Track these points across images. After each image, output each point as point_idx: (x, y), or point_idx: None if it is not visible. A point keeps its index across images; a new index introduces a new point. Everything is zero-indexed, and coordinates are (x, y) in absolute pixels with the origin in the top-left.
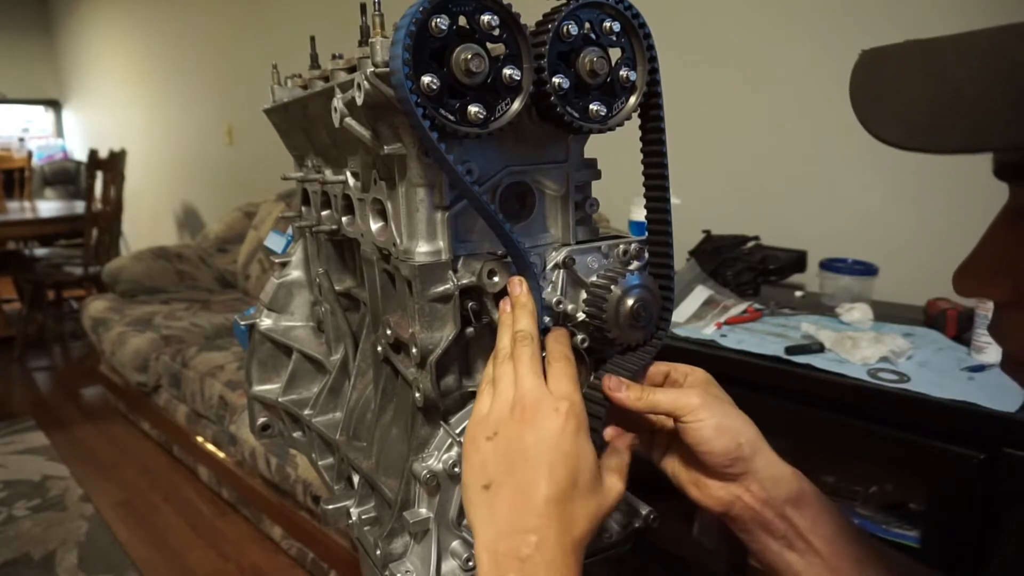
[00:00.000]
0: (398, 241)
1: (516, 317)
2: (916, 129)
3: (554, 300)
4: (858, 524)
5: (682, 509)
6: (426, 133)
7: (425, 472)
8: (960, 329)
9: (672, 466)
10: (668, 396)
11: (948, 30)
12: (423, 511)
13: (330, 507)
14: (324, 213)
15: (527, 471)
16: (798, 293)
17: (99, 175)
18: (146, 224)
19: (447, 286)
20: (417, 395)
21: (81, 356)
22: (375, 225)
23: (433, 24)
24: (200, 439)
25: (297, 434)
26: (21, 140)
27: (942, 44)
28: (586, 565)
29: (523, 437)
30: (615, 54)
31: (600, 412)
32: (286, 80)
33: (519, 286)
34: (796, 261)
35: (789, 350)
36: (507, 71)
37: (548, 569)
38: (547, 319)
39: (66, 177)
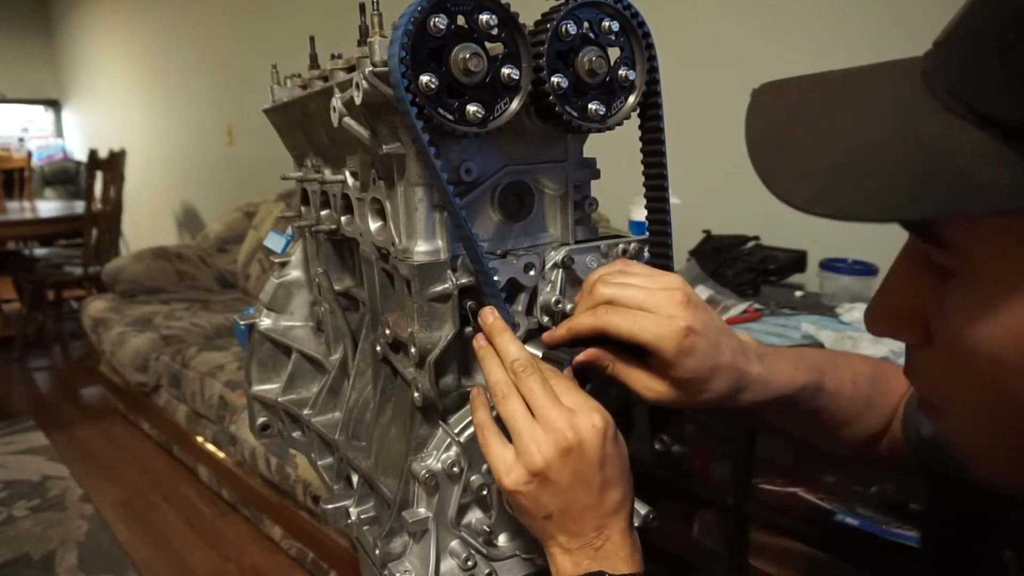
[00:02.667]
0: (397, 240)
1: (502, 346)
2: (822, 194)
3: (553, 299)
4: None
5: (682, 509)
6: (418, 134)
7: (424, 472)
8: None
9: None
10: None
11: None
12: (422, 511)
13: (330, 507)
14: (323, 213)
15: (589, 494)
16: (798, 293)
17: (99, 175)
18: (146, 224)
19: (446, 285)
20: (416, 395)
21: (81, 356)
22: (374, 225)
23: (431, 23)
24: (200, 439)
25: (297, 434)
26: (21, 140)
27: (837, 89)
28: None
29: (577, 469)
30: (614, 53)
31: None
32: (286, 80)
33: (491, 315)
34: (796, 261)
35: None
36: (506, 70)
37: (619, 549)
38: (546, 319)
39: (66, 177)
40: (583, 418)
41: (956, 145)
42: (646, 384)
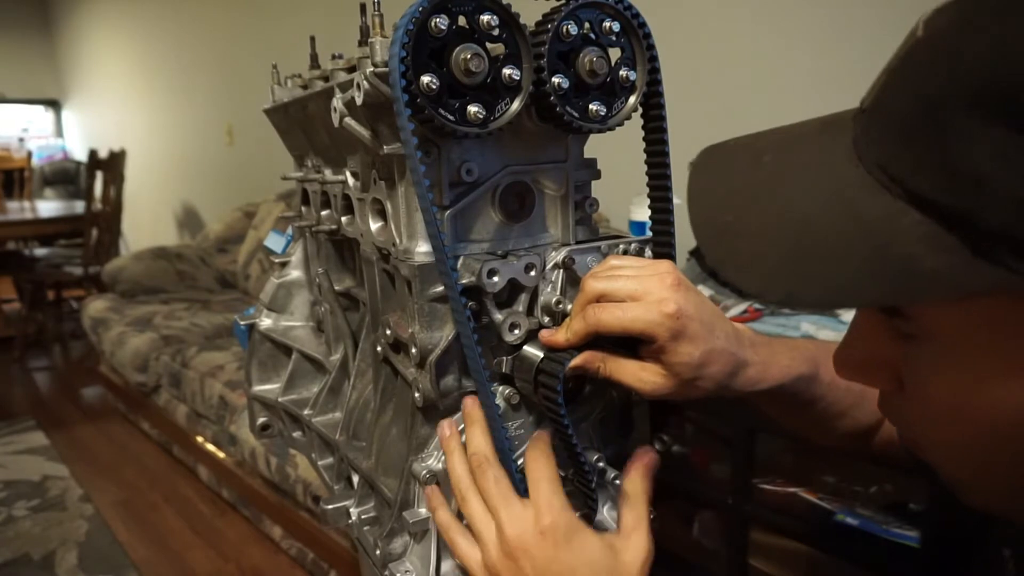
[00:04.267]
0: (398, 241)
1: (469, 437)
2: (774, 283)
3: (553, 300)
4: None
5: (682, 509)
6: (408, 136)
7: (425, 472)
8: None
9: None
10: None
11: None
12: (423, 511)
13: (330, 507)
14: (324, 213)
15: None
16: None
17: (99, 175)
18: (146, 224)
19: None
20: (416, 395)
21: (81, 356)
22: (375, 225)
23: (433, 24)
24: (200, 439)
25: (297, 434)
26: (21, 140)
27: (773, 165)
28: None
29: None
30: (615, 54)
31: (559, 371)
32: (286, 80)
33: (470, 403)
34: None
35: None
36: (507, 71)
37: None
38: (546, 319)
39: (66, 177)
40: (532, 527)
41: (898, 230)
42: (639, 376)
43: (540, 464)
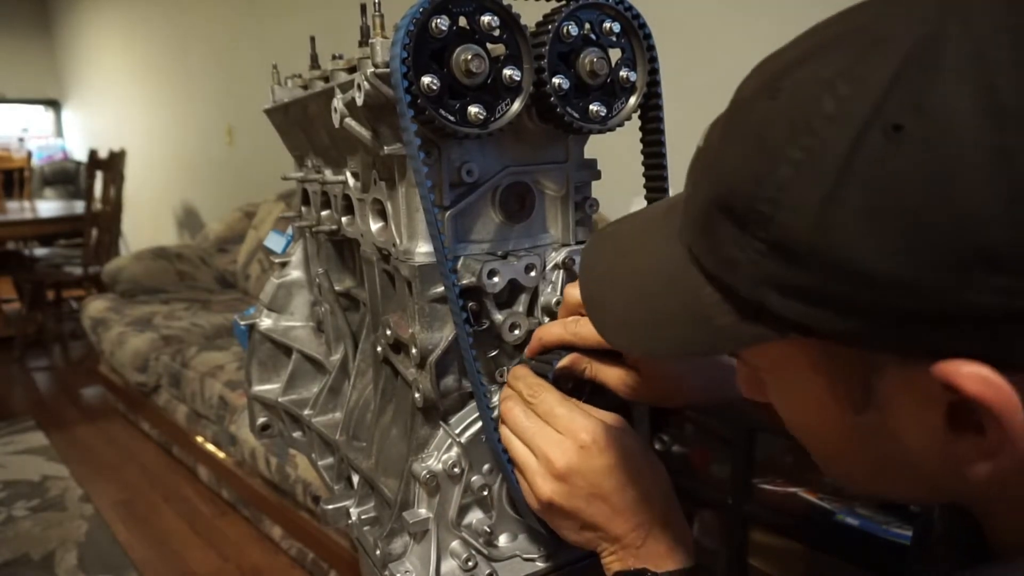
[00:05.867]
0: (398, 241)
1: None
2: (635, 341)
3: (554, 300)
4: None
5: (682, 509)
6: (411, 138)
7: (425, 472)
8: None
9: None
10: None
11: None
12: (423, 511)
13: (330, 507)
14: (324, 213)
15: (611, 498)
16: None
17: (99, 175)
18: (146, 224)
19: None
20: (417, 395)
21: (81, 356)
22: (375, 225)
23: (433, 25)
24: (200, 439)
25: (297, 434)
26: (21, 140)
27: (631, 251)
28: (587, 565)
29: (595, 469)
30: (615, 55)
31: (548, 372)
32: (286, 80)
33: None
34: None
35: None
36: (507, 72)
37: (659, 545)
38: (547, 319)
39: (66, 177)
40: (570, 445)
41: (701, 297)
42: (625, 381)
43: (543, 397)
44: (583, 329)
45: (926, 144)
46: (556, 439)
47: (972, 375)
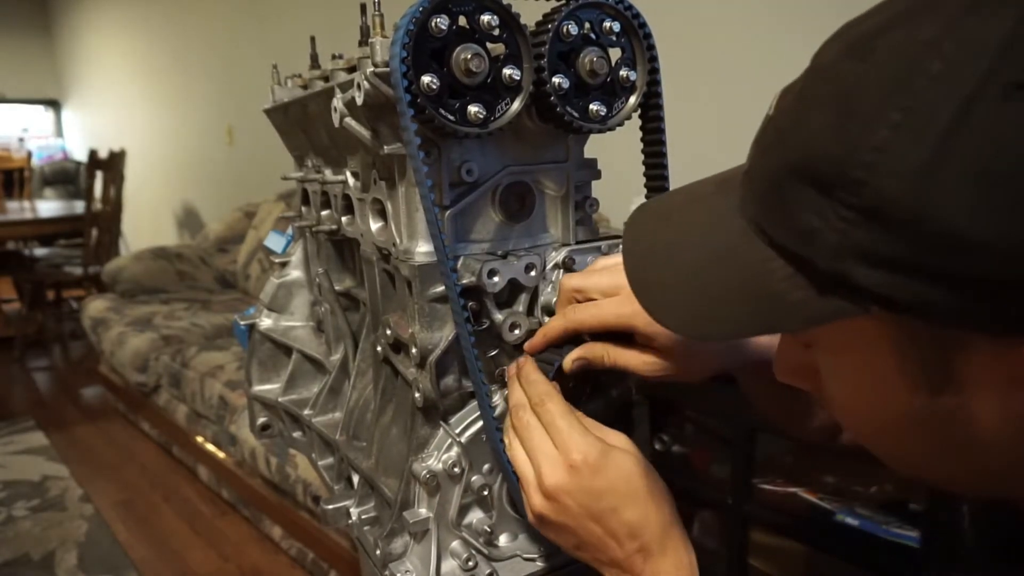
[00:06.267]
0: (398, 241)
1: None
2: (691, 321)
3: (554, 300)
4: None
5: (682, 509)
6: (411, 137)
7: (425, 472)
8: None
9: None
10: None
11: None
12: (423, 511)
13: (330, 507)
14: (324, 213)
15: (598, 528)
16: None
17: (99, 175)
18: (146, 224)
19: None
20: (417, 395)
21: (81, 356)
22: (375, 225)
23: (433, 24)
24: (200, 439)
25: (297, 434)
26: (21, 140)
27: (683, 224)
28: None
29: (586, 490)
30: (615, 54)
31: (549, 372)
32: (286, 80)
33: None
34: None
35: None
36: (507, 71)
37: (660, 568)
38: (547, 319)
39: (66, 177)
40: (561, 462)
41: (769, 272)
42: (644, 361)
43: (547, 407)
44: (582, 314)
45: None
46: (550, 454)
47: None
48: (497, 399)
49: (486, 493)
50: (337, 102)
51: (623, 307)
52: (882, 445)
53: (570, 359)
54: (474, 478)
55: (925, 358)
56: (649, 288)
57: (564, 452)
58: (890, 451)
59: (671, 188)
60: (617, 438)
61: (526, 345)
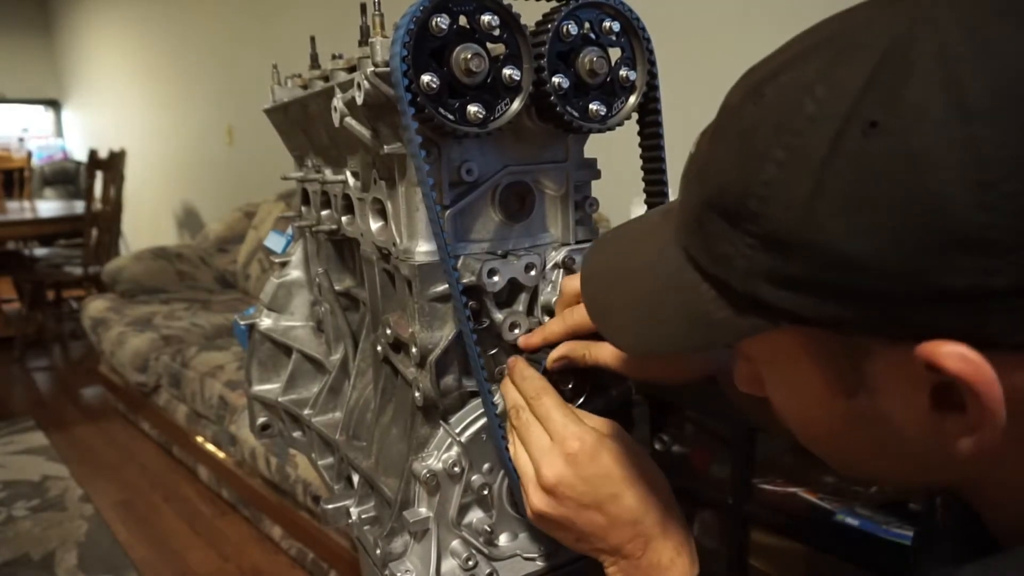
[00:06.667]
0: (398, 241)
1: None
2: (640, 342)
3: (554, 299)
4: None
5: (682, 509)
6: (412, 136)
7: (425, 471)
8: None
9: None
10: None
11: None
12: (423, 510)
13: (330, 507)
14: (324, 213)
15: (600, 516)
16: None
17: (99, 175)
18: (146, 224)
19: (447, 285)
20: (417, 395)
21: (81, 356)
22: (375, 225)
23: (433, 23)
24: (200, 439)
25: (297, 434)
26: (21, 140)
27: (631, 255)
28: (585, 564)
29: (585, 478)
30: (615, 54)
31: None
32: (286, 80)
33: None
34: None
35: None
36: (507, 71)
37: (659, 557)
38: (546, 319)
39: (66, 177)
40: (558, 454)
41: (698, 294)
42: (623, 359)
43: (542, 401)
44: (579, 316)
45: (899, 138)
46: (547, 447)
47: (951, 354)
48: (498, 398)
49: (486, 492)
50: (337, 102)
51: None
52: (821, 447)
53: (552, 358)
54: (474, 477)
55: (838, 365)
56: (604, 312)
57: (560, 443)
58: (829, 452)
59: (670, 188)
60: (609, 426)
61: (521, 340)
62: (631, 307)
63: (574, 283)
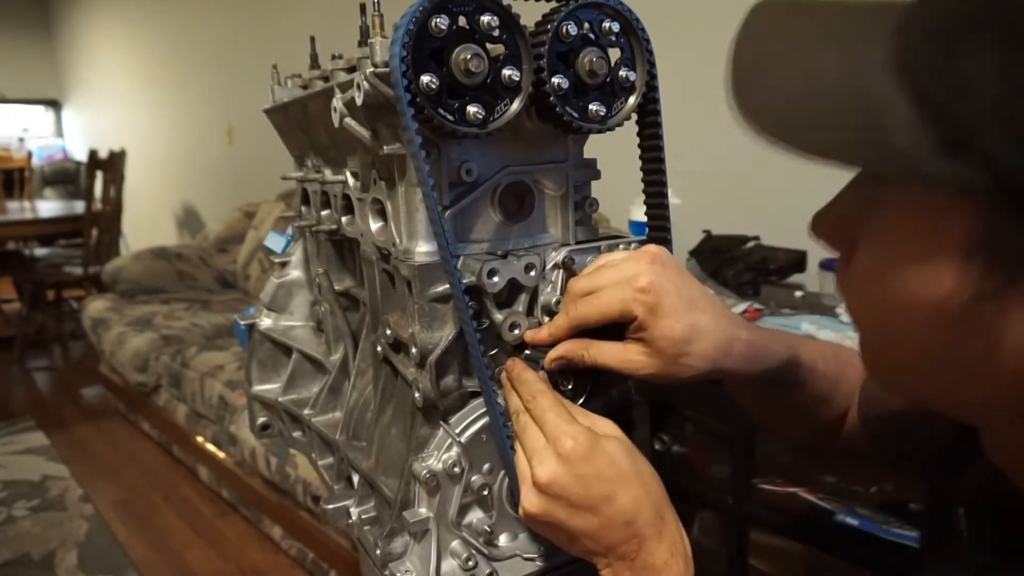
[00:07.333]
0: (398, 241)
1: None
2: (787, 127)
3: (553, 300)
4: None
5: (682, 509)
6: (412, 136)
7: (425, 472)
8: None
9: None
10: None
11: None
12: (423, 511)
13: (330, 507)
14: (324, 213)
15: (593, 517)
16: (798, 293)
17: (99, 175)
18: (146, 224)
19: (447, 286)
20: (417, 395)
21: (81, 356)
22: (375, 225)
23: (433, 24)
24: (200, 439)
25: (297, 434)
26: (21, 140)
27: (817, 26)
28: (585, 565)
29: (579, 477)
30: (614, 54)
31: (536, 369)
32: (286, 80)
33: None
34: (796, 261)
35: None
36: (506, 71)
37: (653, 558)
38: (546, 319)
39: (66, 177)
40: (551, 454)
41: (892, 109)
42: (623, 357)
43: (538, 402)
44: (583, 308)
45: None
46: (541, 448)
47: None
48: (501, 399)
49: (486, 493)
50: (337, 102)
51: (621, 292)
52: (883, 336)
53: (550, 357)
54: (474, 478)
55: (995, 262)
56: (752, 85)
57: (554, 442)
58: (886, 346)
59: (670, 189)
60: (604, 425)
61: (528, 334)
62: (792, 93)
63: (580, 283)
